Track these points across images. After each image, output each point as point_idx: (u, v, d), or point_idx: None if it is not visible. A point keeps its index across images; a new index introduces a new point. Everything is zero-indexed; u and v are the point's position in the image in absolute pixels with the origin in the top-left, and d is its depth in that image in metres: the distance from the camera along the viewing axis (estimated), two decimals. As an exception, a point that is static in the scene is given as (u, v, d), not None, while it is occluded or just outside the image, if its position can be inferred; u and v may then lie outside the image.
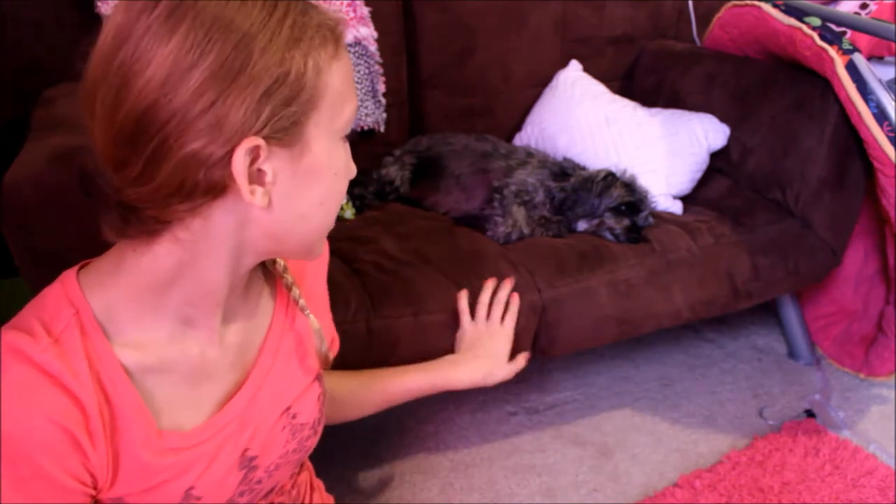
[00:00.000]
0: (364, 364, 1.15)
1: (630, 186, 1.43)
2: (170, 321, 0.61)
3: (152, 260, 0.58)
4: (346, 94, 0.59)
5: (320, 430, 0.78)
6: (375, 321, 1.16)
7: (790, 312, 1.74)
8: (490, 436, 1.51)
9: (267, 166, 0.55)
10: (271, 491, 0.77)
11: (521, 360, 1.17)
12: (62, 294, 0.59)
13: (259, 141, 0.53)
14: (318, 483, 0.96)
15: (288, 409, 0.72)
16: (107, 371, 0.58)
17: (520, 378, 1.67)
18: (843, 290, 1.73)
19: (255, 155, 0.54)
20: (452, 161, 1.54)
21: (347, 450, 1.47)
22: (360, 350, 1.15)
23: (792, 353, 1.77)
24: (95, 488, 0.59)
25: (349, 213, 1.47)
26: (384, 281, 1.20)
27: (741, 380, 1.70)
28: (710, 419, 1.57)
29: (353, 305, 1.15)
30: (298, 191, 0.58)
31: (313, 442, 0.78)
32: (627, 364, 1.75)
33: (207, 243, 0.58)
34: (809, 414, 1.57)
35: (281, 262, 0.72)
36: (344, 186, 0.63)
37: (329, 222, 0.64)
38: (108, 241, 0.59)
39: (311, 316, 0.72)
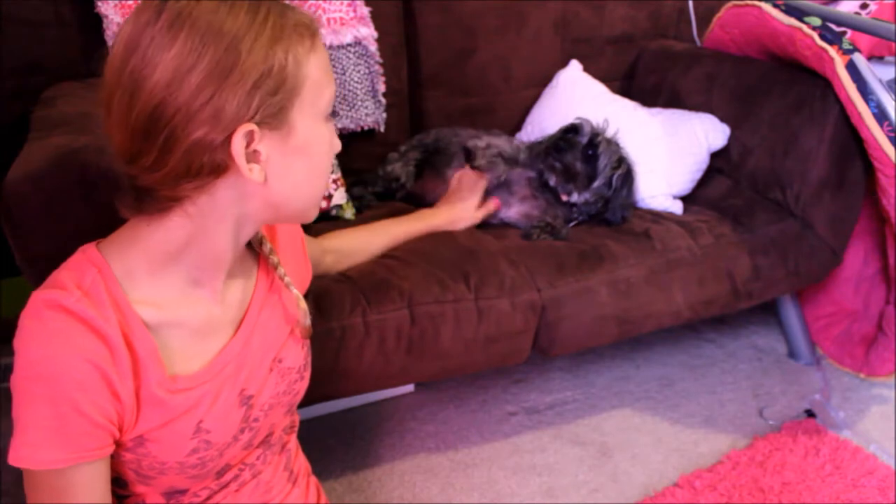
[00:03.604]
0: (363, 361, 1.16)
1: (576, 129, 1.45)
2: (180, 283, 0.71)
3: (165, 232, 0.67)
4: (324, 81, 0.68)
5: (307, 375, 0.88)
6: (371, 316, 1.16)
7: (790, 312, 1.74)
8: (490, 436, 1.51)
9: (261, 147, 0.65)
10: (267, 438, 0.85)
11: (485, 209, 1.42)
12: (84, 259, 0.68)
13: (252, 126, 0.63)
14: (315, 480, 0.98)
15: (276, 355, 0.81)
16: (127, 320, 0.67)
17: (520, 378, 1.69)
18: (843, 290, 1.73)
19: (249, 138, 0.64)
20: (460, 150, 1.54)
21: (347, 450, 1.47)
22: (358, 344, 1.15)
23: (792, 353, 1.77)
24: (121, 430, 0.68)
25: (349, 214, 1.47)
26: (379, 278, 1.20)
27: (741, 380, 1.70)
28: (710, 419, 1.57)
29: (348, 304, 1.15)
30: (289, 166, 0.68)
31: (301, 386, 0.87)
32: (627, 364, 1.75)
33: (214, 215, 0.68)
34: (809, 414, 1.57)
35: (268, 244, 0.82)
36: (330, 159, 0.73)
37: (320, 190, 0.73)
38: (123, 217, 0.69)
39: (299, 294, 0.82)
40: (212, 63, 0.60)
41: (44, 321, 0.63)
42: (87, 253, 0.68)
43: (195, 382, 0.72)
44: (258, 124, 0.63)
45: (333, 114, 0.72)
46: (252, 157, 0.65)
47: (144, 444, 0.70)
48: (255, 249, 0.82)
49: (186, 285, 0.71)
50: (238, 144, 0.62)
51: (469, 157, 1.45)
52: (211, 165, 0.63)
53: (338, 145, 0.74)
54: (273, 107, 0.63)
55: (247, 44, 0.61)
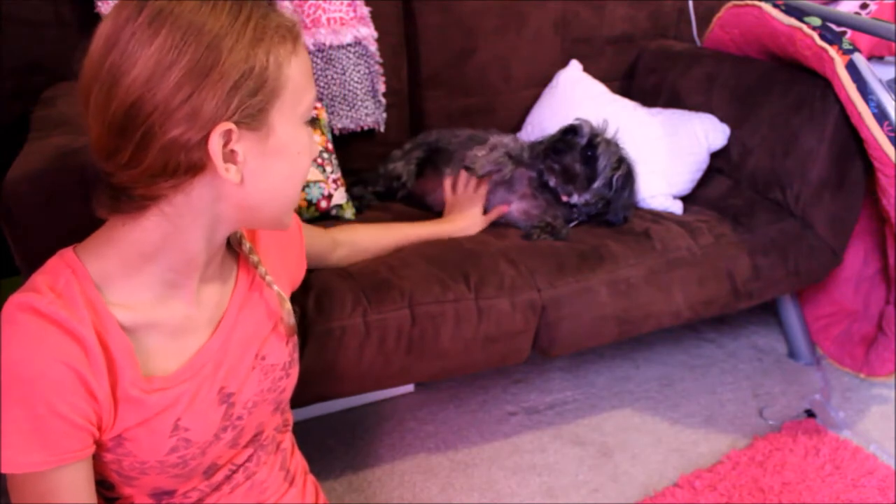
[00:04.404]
0: (363, 361, 1.16)
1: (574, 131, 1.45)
2: (155, 284, 0.70)
3: (141, 232, 0.67)
4: (305, 85, 0.68)
5: (293, 372, 0.87)
6: (371, 316, 1.16)
7: (790, 312, 1.74)
8: (490, 436, 1.51)
9: (238, 147, 0.64)
10: (256, 437, 0.84)
11: (493, 214, 1.45)
12: (60, 262, 0.68)
13: (231, 126, 0.62)
14: (312, 479, 0.98)
15: (257, 353, 0.81)
16: (102, 321, 0.67)
17: (520, 378, 1.69)
18: (843, 290, 1.73)
19: (227, 138, 0.63)
20: (458, 150, 1.54)
21: (347, 450, 1.47)
22: (358, 344, 1.15)
23: (792, 353, 1.77)
24: (100, 429, 0.68)
25: (349, 214, 1.47)
26: (380, 278, 1.20)
27: (741, 380, 1.70)
28: (710, 419, 1.57)
29: (348, 304, 1.15)
30: (266, 168, 0.67)
31: (287, 383, 0.86)
32: (627, 364, 1.75)
33: (189, 216, 0.67)
34: (809, 414, 1.57)
35: (247, 244, 0.81)
36: (308, 164, 0.72)
37: (295, 197, 0.73)
38: (100, 217, 0.68)
39: (283, 294, 0.82)
40: (192, 61, 0.59)
41: (17, 324, 0.63)
42: (63, 257, 0.68)
43: (172, 382, 0.72)
44: (237, 124, 0.62)
45: (314, 120, 0.72)
46: (229, 157, 0.64)
47: (123, 443, 0.70)
48: (235, 249, 0.82)
49: (161, 287, 0.71)
50: (215, 143, 0.62)
51: (468, 171, 1.44)
52: (187, 164, 0.62)
53: (316, 150, 0.74)
54: (252, 108, 0.63)
55: (228, 43, 0.61)
